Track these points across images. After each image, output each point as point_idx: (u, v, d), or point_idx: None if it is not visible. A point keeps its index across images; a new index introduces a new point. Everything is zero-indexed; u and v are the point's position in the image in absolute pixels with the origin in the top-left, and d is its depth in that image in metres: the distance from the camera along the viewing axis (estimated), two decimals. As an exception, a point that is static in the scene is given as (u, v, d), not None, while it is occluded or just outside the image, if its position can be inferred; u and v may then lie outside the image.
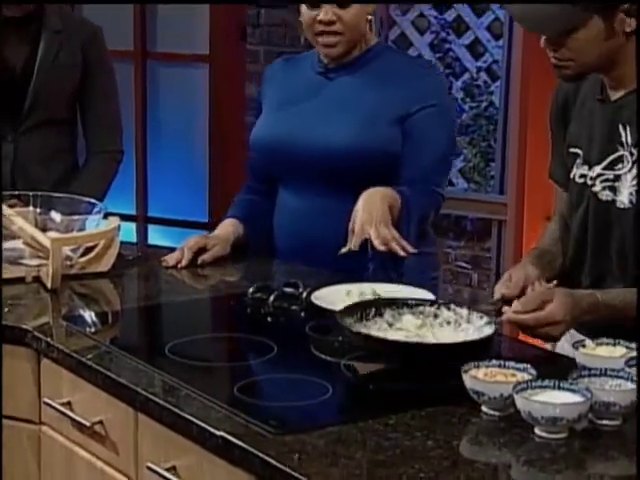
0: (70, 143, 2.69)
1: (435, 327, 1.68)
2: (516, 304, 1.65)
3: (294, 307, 1.95)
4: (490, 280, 4.08)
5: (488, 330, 1.64)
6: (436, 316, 1.71)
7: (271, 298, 1.96)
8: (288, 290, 1.99)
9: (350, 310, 1.70)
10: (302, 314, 1.93)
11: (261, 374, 1.65)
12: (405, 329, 1.67)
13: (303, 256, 2.18)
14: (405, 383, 1.55)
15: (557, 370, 1.56)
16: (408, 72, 2.17)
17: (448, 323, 1.69)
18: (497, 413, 1.48)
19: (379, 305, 1.72)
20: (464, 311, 1.70)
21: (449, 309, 1.71)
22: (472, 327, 1.67)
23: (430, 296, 1.86)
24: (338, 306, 1.83)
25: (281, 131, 2.20)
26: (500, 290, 1.73)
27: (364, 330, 1.66)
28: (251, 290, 2.01)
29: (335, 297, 1.87)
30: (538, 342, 1.75)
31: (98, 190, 2.60)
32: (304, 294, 1.96)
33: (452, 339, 1.64)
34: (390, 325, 1.69)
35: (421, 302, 1.73)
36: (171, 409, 1.51)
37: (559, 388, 1.45)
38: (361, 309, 1.70)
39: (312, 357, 1.72)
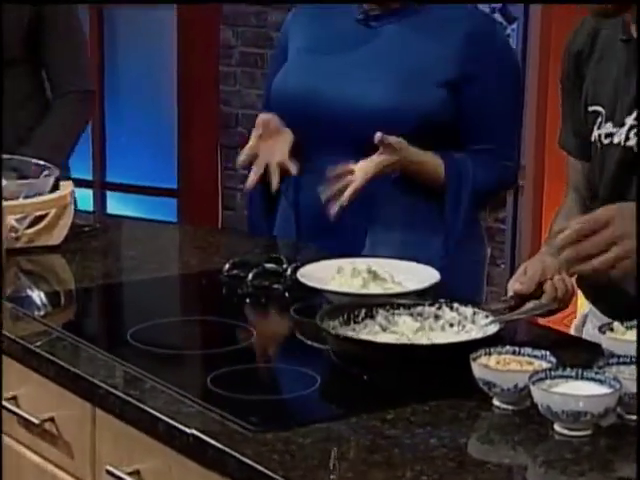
0: (35, 89, 2.67)
1: (436, 330, 1.68)
2: (566, 233, 1.54)
3: (277, 286, 1.95)
4: (505, 256, 4.09)
5: (492, 329, 1.64)
6: (437, 317, 1.70)
7: (250, 276, 1.96)
8: (270, 266, 1.99)
9: (334, 311, 1.69)
10: (286, 294, 1.94)
11: (238, 363, 1.66)
12: (400, 333, 1.66)
13: (322, 235, 2.16)
14: (405, 373, 1.56)
15: (580, 357, 1.57)
16: (465, 24, 2.12)
17: (451, 325, 1.69)
18: (511, 407, 1.48)
19: (371, 305, 1.71)
20: (469, 310, 1.69)
21: (452, 309, 1.71)
22: (475, 328, 1.67)
23: (435, 275, 1.87)
24: (329, 285, 1.85)
25: (306, 84, 2.16)
26: (514, 286, 1.72)
27: (351, 334, 1.65)
28: (227, 267, 2.01)
29: (325, 274, 1.88)
30: (558, 325, 1.76)
31: (65, 139, 2.59)
32: (288, 271, 1.96)
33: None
34: (384, 329, 1.68)
35: (419, 302, 1.72)
36: (134, 404, 1.52)
37: (583, 378, 1.46)
38: (348, 310, 1.69)
39: (298, 343, 1.73)
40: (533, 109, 3.74)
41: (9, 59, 2.58)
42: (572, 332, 1.89)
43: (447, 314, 1.70)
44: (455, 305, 1.71)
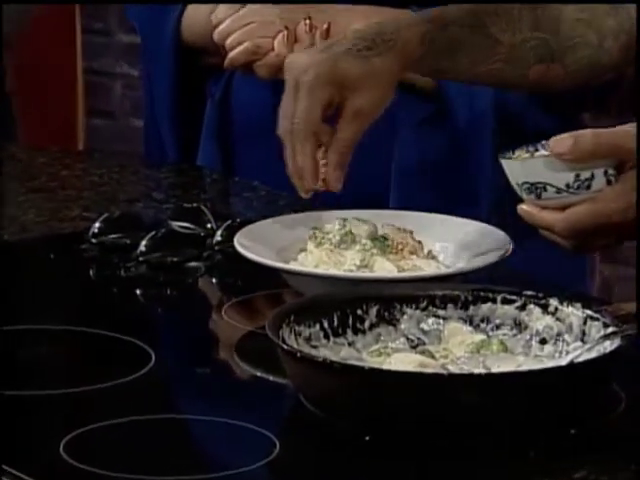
0: None
1: (516, 352, 1.70)
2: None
3: (194, 264, 2.01)
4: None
5: (604, 347, 1.65)
6: (520, 326, 1.74)
7: (142, 245, 2.01)
8: (181, 226, 2.05)
9: (307, 312, 1.72)
10: (213, 280, 2.01)
11: (122, 414, 1.68)
12: (444, 354, 1.69)
13: (267, 158, 2.22)
14: (430, 426, 1.59)
15: None
16: None
17: (543, 342, 1.73)
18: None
19: (390, 299, 1.75)
20: (577, 314, 1.72)
21: (546, 310, 1.74)
22: (584, 348, 1.68)
23: (501, 240, 1.94)
24: (295, 261, 1.90)
25: None
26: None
27: (348, 353, 1.69)
28: (97, 226, 2.06)
29: (286, 241, 1.93)
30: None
31: None
32: (217, 235, 2.02)
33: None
34: (414, 345, 1.72)
35: (484, 294, 1.76)
36: None
37: None
38: (341, 307, 1.73)
39: (236, 374, 1.78)
40: None
41: None
42: None
43: (537, 320, 1.75)
44: (552, 304, 1.74)
